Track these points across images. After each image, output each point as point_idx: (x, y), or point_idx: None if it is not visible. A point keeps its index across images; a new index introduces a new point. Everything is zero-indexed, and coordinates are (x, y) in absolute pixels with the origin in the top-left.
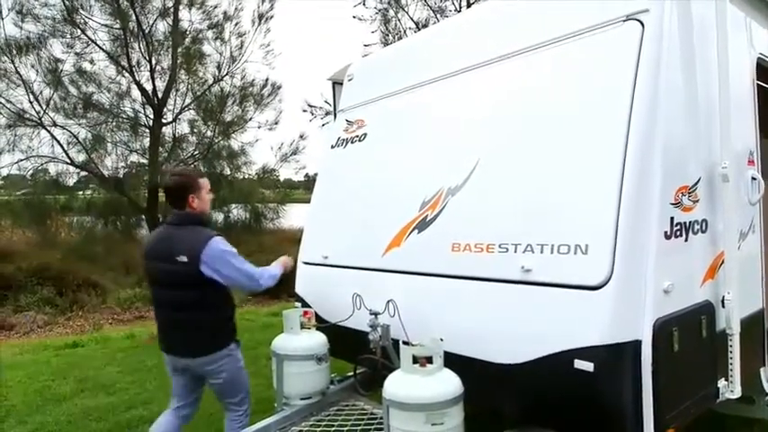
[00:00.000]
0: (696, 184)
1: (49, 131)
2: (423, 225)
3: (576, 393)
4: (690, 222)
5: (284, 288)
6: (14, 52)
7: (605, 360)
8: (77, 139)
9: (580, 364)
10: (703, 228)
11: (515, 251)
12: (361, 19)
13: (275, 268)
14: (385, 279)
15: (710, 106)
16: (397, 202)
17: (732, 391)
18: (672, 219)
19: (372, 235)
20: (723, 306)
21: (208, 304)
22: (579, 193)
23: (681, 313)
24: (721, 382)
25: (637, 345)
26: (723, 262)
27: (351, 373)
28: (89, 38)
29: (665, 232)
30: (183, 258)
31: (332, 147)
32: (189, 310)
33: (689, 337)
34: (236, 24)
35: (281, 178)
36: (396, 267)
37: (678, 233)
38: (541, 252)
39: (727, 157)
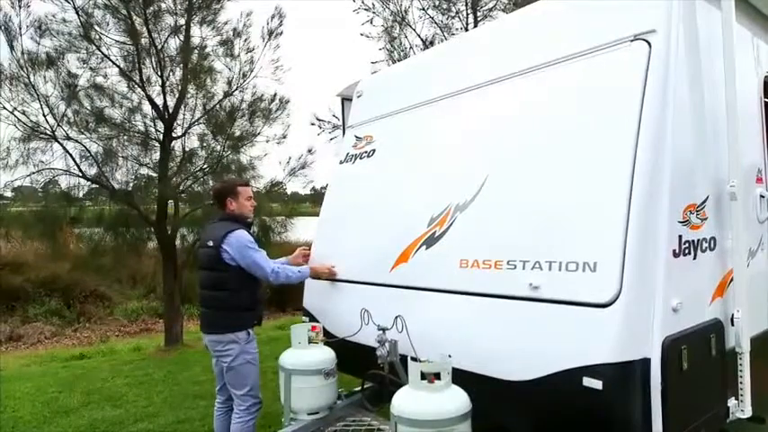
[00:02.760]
0: (704, 202)
1: (62, 145)
2: (431, 241)
3: (584, 411)
4: (698, 240)
5: (290, 301)
6: (32, 67)
7: (614, 378)
8: (89, 152)
9: (589, 381)
10: (712, 246)
11: (523, 268)
12: (368, 37)
13: (296, 272)
14: (393, 295)
15: (718, 125)
16: (406, 218)
17: (742, 411)
18: (680, 237)
19: (380, 250)
20: (732, 324)
21: (225, 286)
22: (588, 211)
23: (690, 331)
24: (731, 402)
25: (646, 363)
26: (732, 280)
27: (358, 388)
28: (103, 53)
29: (674, 250)
30: (210, 243)
31: (340, 162)
32: (211, 288)
33: (698, 355)
34: (245, 40)
35: (288, 191)
36: (403, 283)
37: (686, 251)
38: (549, 269)
39: (735, 176)
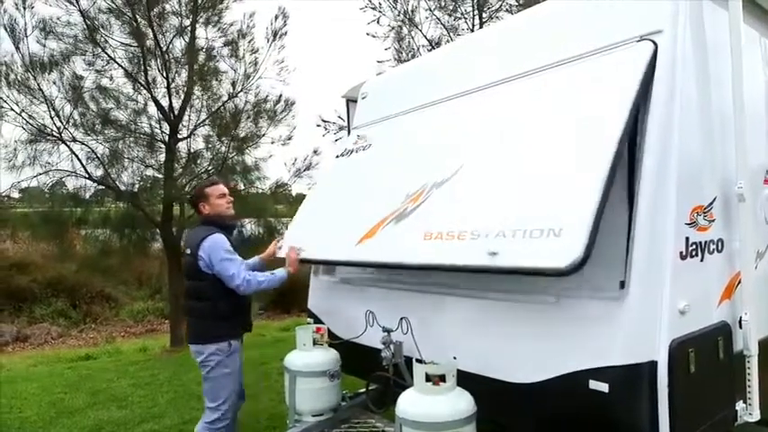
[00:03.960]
0: (711, 203)
1: (68, 146)
2: (401, 216)
3: (590, 414)
4: (705, 242)
5: (295, 303)
6: (38, 69)
7: (621, 381)
8: (95, 154)
9: (595, 384)
10: (719, 247)
11: (486, 236)
12: (374, 36)
13: (266, 279)
14: (399, 296)
15: (725, 125)
16: (382, 199)
17: (751, 414)
18: (687, 239)
19: (350, 228)
20: (740, 327)
21: (204, 295)
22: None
23: (697, 334)
24: (739, 405)
25: (653, 366)
26: (740, 282)
27: (363, 390)
28: (109, 56)
29: (681, 252)
30: (188, 251)
31: (337, 157)
32: (191, 298)
33: (706, 358)
34: (250, 41)
35: (293, 192)
36: (366, 258)
37: (694, 253)
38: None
39: (742, 177)
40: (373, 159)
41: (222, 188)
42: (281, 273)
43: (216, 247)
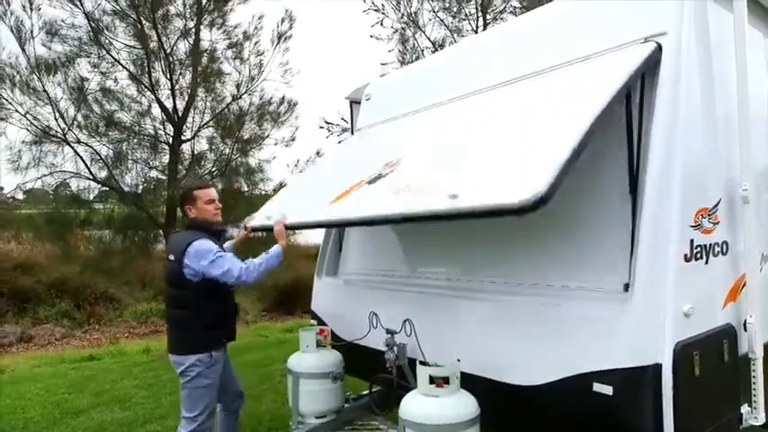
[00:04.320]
0: (716, 205)
1: (72, 148)
2: (376, 179)
3: (594, 417)
4: (710, 245)
5: (299, 304)
6: (43, 71)
7: (625, 384)
8: (99, 155)
9: (599, 387)
10: (724, 250)
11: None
12: (378, 38)
13: (264, 260)
14: (402, 298)
15: (730, 127)
16: (362, 168)
17: (756, 418)
18: (692, 241)
19: (327, 192)
20: (745, 330)
21: (185, 304)
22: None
23: (702, 337)
24: (744, 408)
25: (657, 368)
26: (744, 285)
27: (366, 392)
28: (113, 57)
29: (685, 255)
30: (172, 257)
31: (339, 142)
32: (172, 306)
33: (710, 361)
34: (255, 44)
35: None
36: (337, 216)
37: (698, 255)
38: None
39: (747, 179)
40: (364, 146)
41: (212, 193)
42: (275, 249)
43: (202, 252)
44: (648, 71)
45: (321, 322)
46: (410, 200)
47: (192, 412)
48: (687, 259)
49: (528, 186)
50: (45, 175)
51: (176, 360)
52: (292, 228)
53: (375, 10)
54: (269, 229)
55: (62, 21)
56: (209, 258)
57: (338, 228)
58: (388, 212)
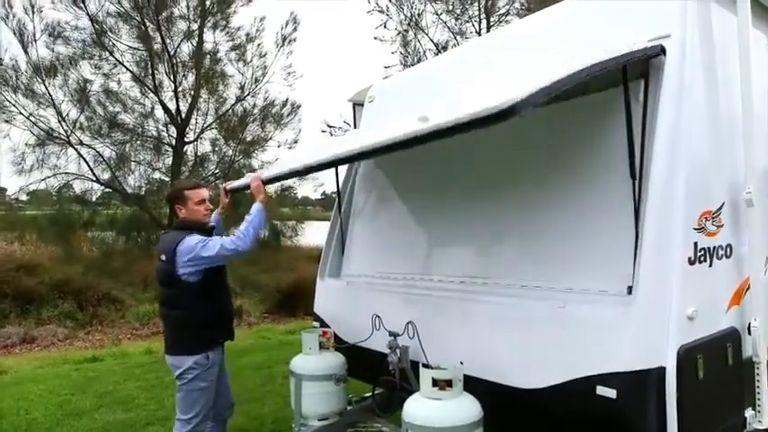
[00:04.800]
0: (720, 208)
1: (76, 150)
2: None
3: (597, 421)
4: (714, 248)
5: (302, 306)
6: (45, 74)
7: (628, 387)
8: (102, 157)
9: (602, 390)
10: (728, 253)
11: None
12: (381, 40)
13: (250, 221)
14: (405, 300)
15: (734, 129)
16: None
17: (760, 422)
18: (695, 244)
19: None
20: (749, 333)
21: (180, 303)
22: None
23: (706, 340)
24: (748, 412)
25: (661, 372)
26: (749, 288)
27: (369, 394)
28: (116, 59)
29: (689, 258)
30: (163, 257)
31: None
32: (167, 306)
33: (714, 364)
34: (258, 45)
35: (299, 195)
36: (318, 158)
37: (702, 258)
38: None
39: (751, 182)
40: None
41: (203, 193)
42: (255, 207)
43: (190, 246)
44: (652, 73)
45: (323, 324)
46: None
47: (188, 414)
48: (691, 262)
49: (507, 97)
50: (48, 177)
51: (174, 363)
52: (270, 181)
53: (379, 11)
54: (246, 188)
55: (66, 23)
56: (197, 248)
57: (315, 171)
58: (369, 143)
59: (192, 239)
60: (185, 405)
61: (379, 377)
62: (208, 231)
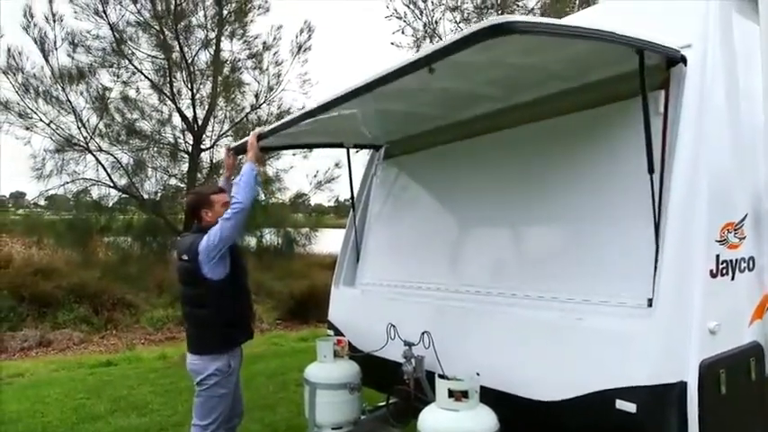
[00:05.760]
0: (742, 220)
1: (94, 156)
2: None
3: None
4: (736, 260)
5: (314, 313)
6: (66, 81)
7: (649, 401)
8: (120, 163)
9: (622, 404)
10: (750, 266)
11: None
12: (398, 46)
13: (241, 180)
14: (421, 310)
15: (756, 140)
16: None
17: None
18: (717, 256)
19: None
20: None
21: (204, 302)
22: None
23: (728, 354)
24: None
25: (682, 386)
26: None
27: (383, 403)
28: (135, 67)
29: (711, 270)
30: (185, 257)
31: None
32: (190, 305)
33: (737, 379)
34: (274, 54)
35: (312, 203)
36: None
37: (724, 271)
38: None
39: None
40: None
41: (226, 197)
42: (244, 167)
43: (207, 239)
44: (672, 83)
45: (338, 332)
46: None
47: (205, 420)
48: (713, 275)
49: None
50: (67, 183)
51: (195, 367)
52: (267, 134)
53: (398, 17)
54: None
55: (87, 32)
56: (210, 235)
57: (314, 116)
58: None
59: (207, 235)
60: (204, 411)
61: (394, 387)
62: None
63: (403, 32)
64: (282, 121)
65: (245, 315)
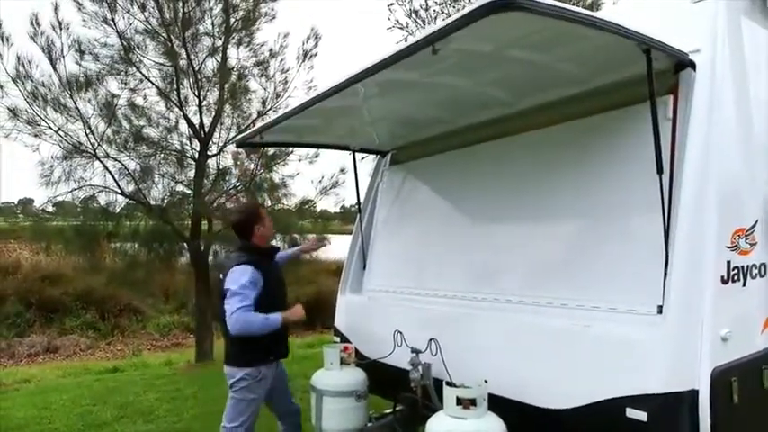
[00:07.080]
0: (753, 226)
1: (102, 163)
2: None
3: None
4: (747, 266)
5: (319, 319)
6: (74, 89)
7: (660, 410)
8: (127, 170)
9: (632, 412)
10: (762, 272)
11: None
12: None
13: (259, 319)
14: (428, 317)
15: (766, 145)
16: None
17: None
18: (728, 263)
19: None
20: None
21: None
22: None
23: (740, 362)
24: None
25: (693, 395)
26: None
27: (389, 411)
28: (143, 75)
29: (722, 276)
30: (221, 275)
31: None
32: (222, 321)
33: (750, 387)
34: (281, 61)
35: (318, 209)
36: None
37: (735, 277)
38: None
39: None
40: None
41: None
42: (274, 317)
43: (234, 278)
44: (681, 89)
45: (344, 339)
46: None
47: (233, 422)
48: (724, 281)
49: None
50: (75, 189)
51: (228, 372)
52: (272, 125)
53: (399, 28)
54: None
55: (95, 40)
56: (233, 289)
57: (319, 102)
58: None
59: (240, 272)
60: (233, 413)
61: (401, 394)
62: (272, 255)
63: (405, 41)
64: (294, 107)
65: (279, 333)
